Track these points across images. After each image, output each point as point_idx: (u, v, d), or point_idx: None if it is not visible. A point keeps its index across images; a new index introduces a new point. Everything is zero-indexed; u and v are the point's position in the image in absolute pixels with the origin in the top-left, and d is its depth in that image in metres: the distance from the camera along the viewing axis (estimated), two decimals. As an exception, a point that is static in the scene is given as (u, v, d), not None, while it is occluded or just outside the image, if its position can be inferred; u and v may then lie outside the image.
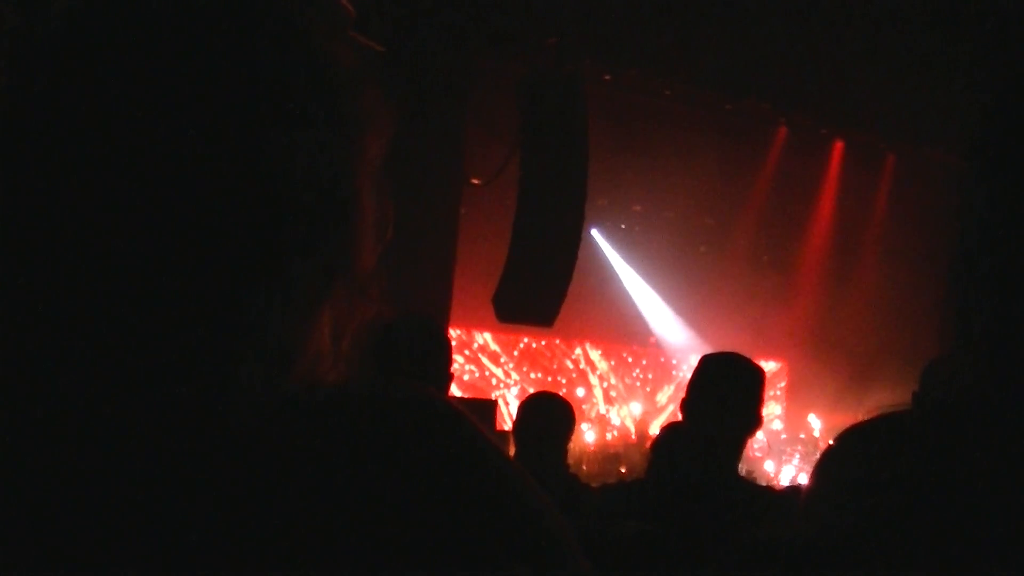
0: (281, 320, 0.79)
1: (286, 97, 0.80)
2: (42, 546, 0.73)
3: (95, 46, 0.78)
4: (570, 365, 13.60)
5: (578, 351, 13.63)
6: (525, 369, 13.23)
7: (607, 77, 8.90)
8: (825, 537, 0.92)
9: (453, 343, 3.33)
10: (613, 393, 13.73)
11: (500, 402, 10.50)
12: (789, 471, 11.26)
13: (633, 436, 11.55)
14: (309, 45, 0.83)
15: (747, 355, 3.28)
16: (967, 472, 0.87)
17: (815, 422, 12.43)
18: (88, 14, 0.80)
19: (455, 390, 10.05)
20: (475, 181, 7.61)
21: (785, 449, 11.86)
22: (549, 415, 4.27)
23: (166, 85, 0.77)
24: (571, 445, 4.45)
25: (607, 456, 10.91)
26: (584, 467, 9.81)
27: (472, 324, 12.00)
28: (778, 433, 12.54)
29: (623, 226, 12.73)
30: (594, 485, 4.37)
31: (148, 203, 0.76)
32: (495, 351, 13.02)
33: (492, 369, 13.00)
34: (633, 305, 13.17)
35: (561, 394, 4.82)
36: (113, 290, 0.76)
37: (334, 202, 0.82)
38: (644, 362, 13.97)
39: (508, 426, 7.43)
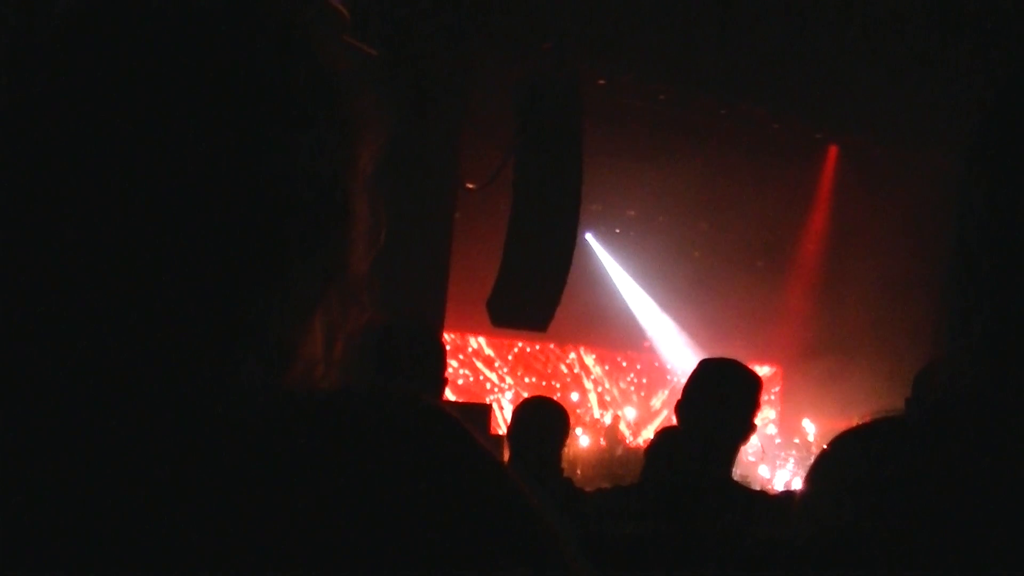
0: (280, 321, 0.79)
1: (286, 97, 0.80)
2: (41, 546, 0.73)
3: (96, 46, 0.79)
4: (564, 370, 13.61)
5: (572, 356, 13.64)
6: (519, 373, 13.24)
7: (602, 81, 8.91)
8: (823, 538, 0.92)
9: (447, 347, 3.33)
10: (607, 398, 13.74)
11: (494, 406, 10.50)
12: (783, 476, 11.28)
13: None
14: (308, 46, 0.83)
15: (741, 360, 3.29)
16: (966, 472, 0.87)
17: (809, 427, 12.46)
18: (89, 14, 0.80)
19: (449, 394, 10.06)
20: (470, 185, 7.61)
21: (779, 454, 11.88)
22: (543, 420, 4.28)
23: (167, 85, 0.77)
24: (565, 450, 4.46)
25: (601, 460, 10.93)
26: (578, 471, 9.81)
27: (466, 328, 12.01)
28: (772, 438, 12.56)
29: (618, 230, 12.75)
30: (588, 490, 4.38)
31: (150, 203, 0.76)
32: (489, 355, 13.03)
33: (486, 373, 13.00)
34: (627, 310, 13.19)
35: (555, 399, 4.83)
36: (114, 289, 0.76)
37: (333, 202, 0.82)
38: (638, 367, 13.98)
39: (502, 431, 7.44)
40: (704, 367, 3.27)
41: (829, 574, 0.89)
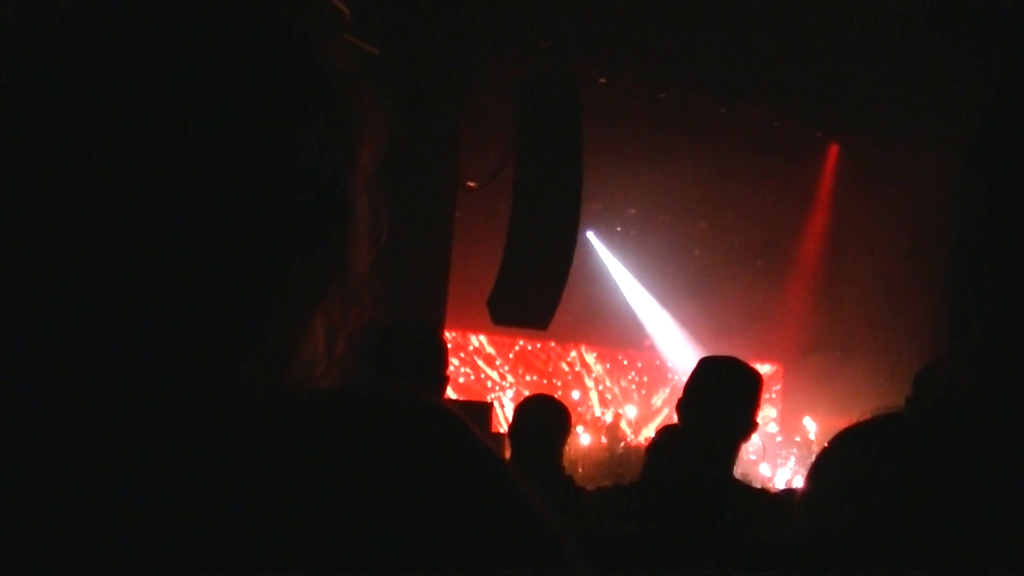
0: (280, 321, 0.80)
1: (287, 97, 0.80)
2: (42, 546, 0.73)
3: (96, 47, 0.79)
4: (565, 368, 13.60)
5: (573, 354, 13.63)
6: (520, 372, 13.24)
7: (602, 80, 8.91)
8: (824, 537, 0.91)
9: (448, 346, 3.33)
10: (608, 396, 13.74)
11: (495, 405, 10.51)
12: (784, 474, 11.28)
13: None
14: (308, 46, 0.83)
15: (742, 358, 3.29)
16: (966, 471, 0.87)
17: (810, 425, 12.45)
18: (88, 15, 0.80)
19: (450, 393, 10.06)
20: (470, 184, 7.61)
21: (780, 452, 11.88)
22: (545, 418, 4.27)
23: (167, 85, 0.77)
24: (566, 448, 4.45)
25: (602, 459, 10.93)
26: (580, 470, 9.81)
27: (467, 327, 12.01)
28: (773, 436, 12.56)
29: (618, 229, 12.75)
30: (589, 488, 4.38)
31: (150, 203, 0.76)
32: (490, 354, 13.02)
33: (487, 372, 13.00)
34: (628, 308, 13.18)
35: (556, 397, 4.83)
36: (114, 289, 0.76)
37: (333, 202, 0.82)
38: (639, 365, 13.97)
39: (503, 429, 7.43)
40: (705, 365, 3.27)
41: (829, 574, 0.89)
